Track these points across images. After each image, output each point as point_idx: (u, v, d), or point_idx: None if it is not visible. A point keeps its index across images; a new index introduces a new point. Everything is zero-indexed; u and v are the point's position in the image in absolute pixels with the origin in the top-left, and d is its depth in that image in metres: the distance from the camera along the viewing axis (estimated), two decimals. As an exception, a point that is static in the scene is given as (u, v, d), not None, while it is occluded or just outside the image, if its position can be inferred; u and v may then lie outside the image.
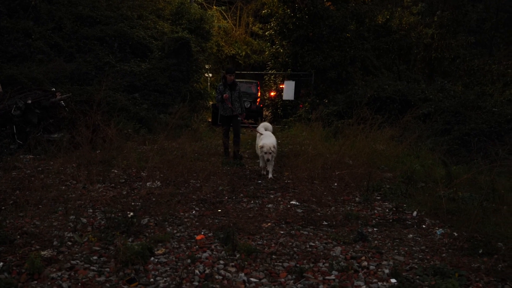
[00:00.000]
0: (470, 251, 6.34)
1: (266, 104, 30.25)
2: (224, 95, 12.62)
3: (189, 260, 5.66)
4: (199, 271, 5.38)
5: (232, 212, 7.97)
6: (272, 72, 29.50)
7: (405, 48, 29.03)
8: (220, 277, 5.29)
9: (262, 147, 10.66)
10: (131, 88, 19.72)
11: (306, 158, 11.30)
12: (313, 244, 6.56)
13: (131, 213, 7.19)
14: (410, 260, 5.99)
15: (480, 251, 6.27)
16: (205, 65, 29.32)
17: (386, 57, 29.05)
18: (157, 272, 5.34)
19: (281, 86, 28.40)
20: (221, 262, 5.70)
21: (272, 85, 30.86)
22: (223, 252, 6.01)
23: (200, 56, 25.92)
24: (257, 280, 5.27)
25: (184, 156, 11.39)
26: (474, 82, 23.83)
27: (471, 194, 8.77)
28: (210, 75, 34.49)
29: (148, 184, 9.23)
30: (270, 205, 8.52)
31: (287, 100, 26.95)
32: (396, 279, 5.33)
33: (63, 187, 8.74)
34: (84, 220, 6.96)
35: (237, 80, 30.90)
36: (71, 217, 7.04)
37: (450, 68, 29.31)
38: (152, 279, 5.15)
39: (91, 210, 7.52)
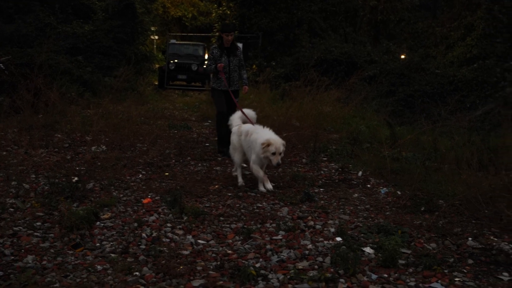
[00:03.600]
0: (412, 209, 6.51)
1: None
2: (219, 64, 9.19)
3: (135, 224, 5.61)
4: (146, 235, 5.34)
5: (180, 175, 7.93)
6: (219, 34, 29.18)
7: (351, 11, 29.17)
8: (168, 240, 5.27)
9: (268, 144, 6.95)
10: (74, 50, 19.17)
11: (254, 121, 11.29)
12: (260, 205, 6.60)
13: (76, 178, 7.05)
14: (355, 219, 6.11)
15: (422, 209, 6.45)
16: (150, 27, 28.74)
17: (333, 20, 29.13)
18: (103, 237, 5.27)
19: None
20: (169, 225, 5.68)
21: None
22: (170, 215, 5.98)
23: (145, 18, 25.37)
24: (204, 242, 5.28)
25: (130, 119, 11.24)
26: (418, 45, 24.16)
27: (414, 154, 8.98)
28: (156, 37, 33.89)
29: (93, 148, 9.06)
30: (217, 168, 8.52)
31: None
32: (341, 238, 5.43)
33: (4, 153, 8.48)
34: (27, 186, 6.79)
35: (183, 42, 30.69)
36: (13, 183, 6.85)
37: (395, 30, 29.64)
38: (98, 244, 5.08)
39: (33, 176, 7.33)
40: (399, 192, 7.19)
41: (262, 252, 5.04)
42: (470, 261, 4.99)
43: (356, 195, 7.16)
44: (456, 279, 4.55)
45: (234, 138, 7.81)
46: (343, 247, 5.10)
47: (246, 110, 8.20)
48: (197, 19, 42.14)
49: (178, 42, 30.20)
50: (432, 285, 4.41)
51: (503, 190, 6.38)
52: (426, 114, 11.94)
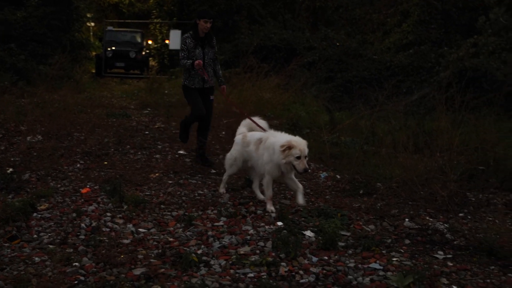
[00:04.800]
0: (351, 192, 6.64)
1: (152, 54, 29.60)
2: (197, 61, 7.54)
3: (74, 214, 5.49)
4: (85, 225, 5.24)
5: (119, 164, 7.81)
6: (158, 21, 28.79)
7: (290, -3, 29.24)
8: (108, 229, 5.19)
9: (289, 146, 5.63)
10: (5, 38, 18.49)
11: (194, 108, 11.21)
12: (201, 192, 6.59)
13: (10, 169, 6.84)
14: (296, 203, 6.17)
15: (360, 192, 6.58)
16: (86, 13, 28.03)
17: (272, 6, 29.14)
18: (40, 228, 5.14)
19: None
20: (108, 214, 5.59)
21: (158, 34, 30.16)
22: (110, 204, 5.89)
23: (80, 4, 24.69)
24: (145, 230, 5.23)
25: (66, 108, 10.98)
26: (356, 31, 24.48)
27: (353, 139, 9.14)
28: (92, 24, 33.13)
29: (28, 138, 8.80)
30: (157, 156, 8.43)
31: (174, 50, 26.48)
32: (282, 222, 5.48)
33: None
34: (-42, 178, 6.54)
35: (120, 29, 30.12)
36: None
37: (333, 17, 29.94)
38: (35, 235, 4.96)
39: (-35, 168, 7.07)
40: (338, 176, 7.31)
41: (204, 239, 5.03)
42: (407, 241, 5.14)
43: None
44: (394, 259, 4.67)
45: (236, 148, 6.53)
46: (284, 231, 5.15)
47: (255, 118, 6.83)
48: (135, 6, 41.36)
49: (116, 29, 29.63)
50: (370, 265, 4.51)
51: (437, 171, 6.59)
52: (364, 99, 12.15)
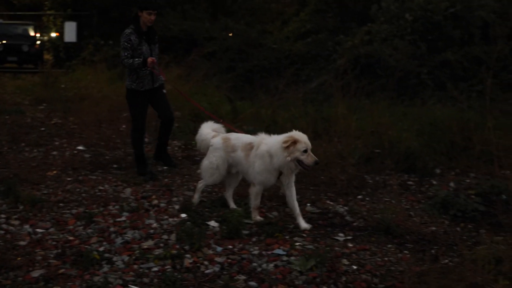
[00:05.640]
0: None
1: (47, 47, 28.46)
2: (150, 58, 6.71)
3: (-36, 218, 5.21)
4: (-23, 228, 4.99)
5: (13, 162, 7.45)
6: (51, 12, 27.69)
7: (188, -13, 29.03)
8: (3, 232, 4.96)
9: (294, 141, 5.10)
10: None
11: (92, 102, 10.92)
12: (102, 188, 6.43)
13: None
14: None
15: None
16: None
17: (170, -4, 28.82)
18: None
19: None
20: (3, 216, 5.34)
21: (52, 26, 29.01)
22: (4, 205, 5.63)
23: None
24: (43, 230, 5.05)
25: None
26: (255, 21, 24.68)
27: (255, 128, 9.20)
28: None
29: None
30: (55, 153, 8.12)
31: (69, 42, 25.59)
32: (186, 214, 5.45)
33: None
34: None
35: (11, 22, 28.75)
36: None
37: (233, 7, 30.03)
38: None
39: None
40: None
41: (106, 235, 4.93)
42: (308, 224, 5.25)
43: (200, 171, 7.19)
44: (297, 243, 4.78)
45: (216, 154, 5.60)
46: (188, 223, 5.14)
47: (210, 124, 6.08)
48: (26, -3, 39.59)
49: (6, 22, 28.26)
50: (274, 251, 4.59)
51: (336, 156, 6.78)
52: (265, 88, 12.25)
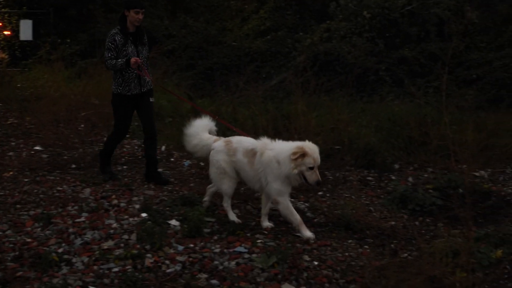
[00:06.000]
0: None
1: (1, 46, 27.82)
2: (133, 58, 6.28)
3: None
4: None
5: (-34, 164, 7.28)
6: (6, 10, 27.08)
7: (146, -16, 28.74)
8: (-43, 235, 4.84)
9: (303, 153, 4.84)
10: None
11: (49, 101, 10.70)
12: (60, 188, 6.33)
13: None
14: (160, 193, 6.13)
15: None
16: None
17: (129, -6, 28.48)
18: None
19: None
20: (-43, 219, 5.22)
21: (7, 24, 28.37)
22: (-42, 208, 5.50)
23: None
24: (0, 233, 4.94)
25: None
26: (215, 18, 24.63)
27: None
28: None
29: None
30: (11, 153, 7.95)
31: (25, 41, 25.07)
32: (146, 213, 5.40)
33: None
34: None
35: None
36: None
37: (192, 4, 29.88)
38: None
39: None
40: (202, 163, 7.31)
41: (65, 237, 4.87)
42: (270, 223, 5.27)
43: (160, 169, 7.14)
44: (258, 241, 4.80)
45: (220, 157, 5.33)
46: (149, 222, 5.09)
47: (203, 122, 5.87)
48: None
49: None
50: (236, 249, 4.60)
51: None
52: (225, 86, 12.23)
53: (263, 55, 15.71)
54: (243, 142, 5.33)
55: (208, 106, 10.30)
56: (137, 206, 5.64)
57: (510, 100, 10.52)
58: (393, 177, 6.94)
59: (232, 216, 5.32)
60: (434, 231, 5.16)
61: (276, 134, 7.37)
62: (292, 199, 5.96)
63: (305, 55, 12.92)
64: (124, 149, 8.22)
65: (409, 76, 12.10)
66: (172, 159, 7.71)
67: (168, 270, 4.18)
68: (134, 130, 9.21)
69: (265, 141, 5.19)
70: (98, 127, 9.49)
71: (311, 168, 4.80)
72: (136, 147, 8.39)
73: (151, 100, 6.68)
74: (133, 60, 6.23)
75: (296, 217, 4.95)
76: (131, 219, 5.30)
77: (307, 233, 4.90)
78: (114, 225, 5.14)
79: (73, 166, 7.29)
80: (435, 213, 5.59)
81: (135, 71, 6.38)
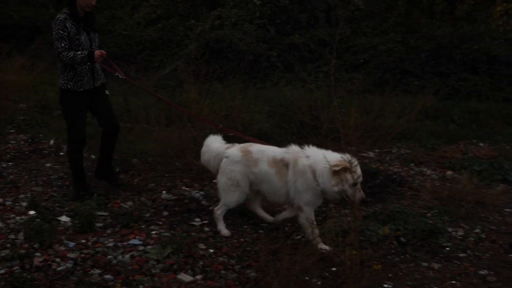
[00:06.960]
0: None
1: None
2: (98, 51, 5.38)
3: None
4: None
5: None
6: None
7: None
8: None
9: (345, 168, 4.35)
10: None
11: None
12: None
13: None
14: (48, 189, 5.89)
15: (117, 170, 6.47)
16: None
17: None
18: None
19: None
20: None
21: None
22: None
23: None
24: None
25: None
26: (103, 6, 23.96)
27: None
28: None
29: None
30: None
31: None
32: (35, 211, 5.17)
33: None
34: None
35: None
36: None
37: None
38: None
39: None
40: (93, 156, 7.09)
41: None
42: (165, 213, 5.24)
43: (49, 164, 6.87)
44: (153, 232, 4.73)
45: (235, 168, 4.77)
46: (37, 220, 4.88)
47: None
48: None
49: None
50: (130, 242, 4.51)
51: (191, 142, 6.77)
52: (116, 76, 11.96)
53: (155, 44, 15.48)
54: (266, 151, 4.82)
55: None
56: (25, 204, 5.38)
57: (394, 83, 11.01)
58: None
59: (222, 226, 4.83)
60: (325, 212, 5.29)
61: (169, 123, 7.34)
62: (187, 188, 5.94)
63: (196, 43, 12.87)
64: (9, 145, 7.81)
65: (299, 61, 12.36)
66: (61, 153, 7.41)
67: (59, 268, 4.03)
68: (19, 124, 8.80)
69: (295, 149, 4.69)
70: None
71: (355, 185, 4.38)
72: (22, 142, 7.99)
73: (106, 92, 5.92)
74: (98, 53, 5.34)
75: (315, 231, 4.48)
76: (18, 217, 5.05)
77: (323, 246, 4.40)
78: (0, 225, 4.88)
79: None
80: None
81: (100, 66, 5.68)
